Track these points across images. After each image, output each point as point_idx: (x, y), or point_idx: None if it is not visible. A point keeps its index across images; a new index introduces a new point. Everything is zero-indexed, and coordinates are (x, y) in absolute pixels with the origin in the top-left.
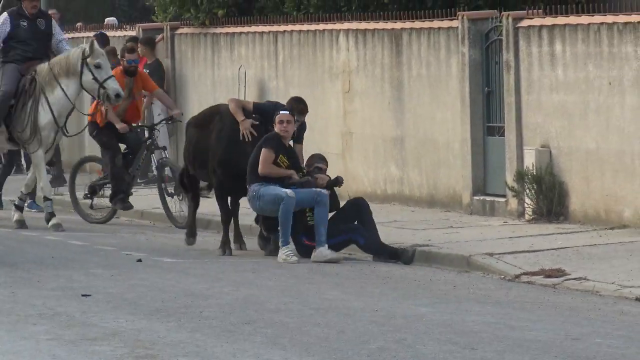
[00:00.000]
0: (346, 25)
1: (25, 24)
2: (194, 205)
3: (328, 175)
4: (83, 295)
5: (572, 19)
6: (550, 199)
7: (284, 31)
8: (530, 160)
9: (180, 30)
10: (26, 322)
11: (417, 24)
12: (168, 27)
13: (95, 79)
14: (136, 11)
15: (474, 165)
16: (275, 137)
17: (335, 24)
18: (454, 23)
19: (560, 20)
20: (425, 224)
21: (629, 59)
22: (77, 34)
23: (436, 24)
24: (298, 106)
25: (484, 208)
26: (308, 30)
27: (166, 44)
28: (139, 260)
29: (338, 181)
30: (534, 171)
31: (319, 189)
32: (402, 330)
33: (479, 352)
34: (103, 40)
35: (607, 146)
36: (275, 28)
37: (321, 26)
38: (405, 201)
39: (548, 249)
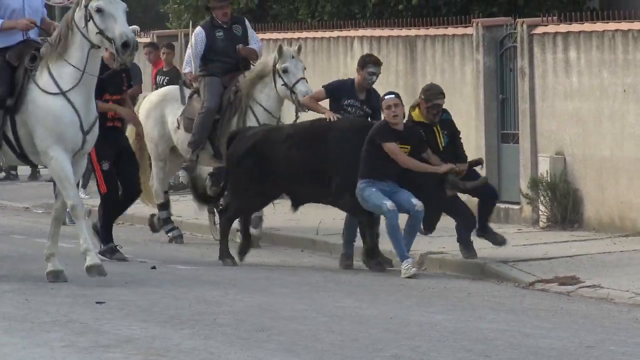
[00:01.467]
0: (360, 32)
1: (221, 34)
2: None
3: (474, 160)
4: (97, 303)
5: (587, 26)
6: (564, 206)
7: (299, 38)
8: (544, 168)
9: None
10: (40, 329)
11: (432, 31)
12: (182, 33)
13: (285, 84)
14: (149, 18)
15: (488, 172)
16: (384, 128)
17: (349, 30)
18: (469, 30)
19: (575, 27)
20: (439, 232)
21: None
22: None
23: (450, 31)
24: (371, 58)
25: (498, 215)
26: (322, 38)
27: (181, 50)
28: (153, 267)
29: (479, 162)
30: (548, 178)
31: (414, 201)
32: (416, 338)
33: None
34: None
35: (621, 153)
36: (289, 35)
37: (335, 33)
38: None
39: (562, 257)
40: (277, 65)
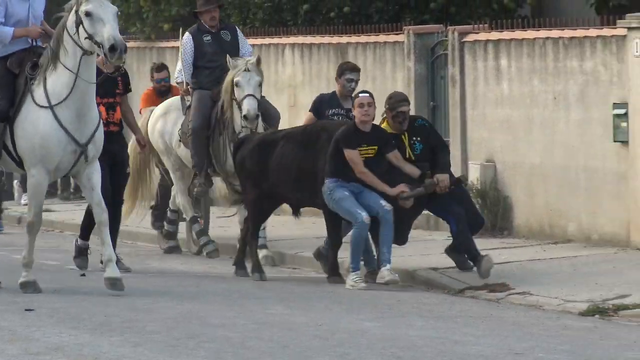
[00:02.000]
0: (292, 39)
1: (208, 38)
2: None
3: (451, 174)
4: (26, 310)
5: (518, 34)
6: (494, 213)
7: None
8: (474, 175)
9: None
10: None
11: (363, 38)
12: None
13: (234, 99)
14: None
15: None
16: (348, 132)
17: (281, 38)
18: (400, 37)
19: (506, 34)
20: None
21: (574, 74)
22: None
23: (382, 38)
24: (347, 65)
25: (428, 222)
26: (254, 44)
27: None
28: (83, 275)
29: (461, 180)
30: (479, 185)
31: (383, 203)
32: (345, 345)
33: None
34: None
35: (551, 161)
36: None
37: (267, 40)
38: None
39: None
40: (233, 78)
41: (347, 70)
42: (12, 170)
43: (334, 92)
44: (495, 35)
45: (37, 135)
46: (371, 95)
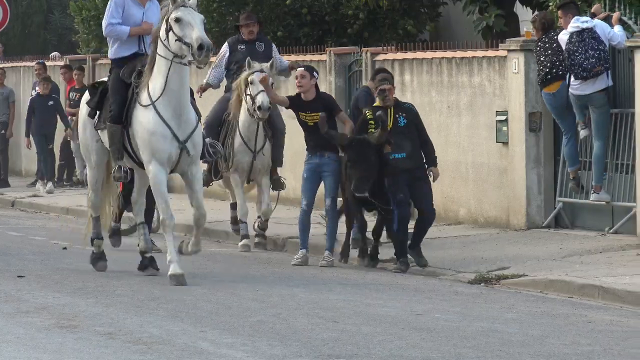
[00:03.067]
0: None
1: (243, 47)
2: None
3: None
4: (18, 277)
5: (419, 54)
6: None
7: None
8: None
9: (99, 61)
10: None
11: (293, 57)
12: (90, 58)
13: (249, 94)
14: (64, 45)
15: None
16: (292, 99)
17: None
18: (323, 57)
19: (409, 55)
20: (296, 221)
21: (464, 87)
22: (20, 63)
23: (308, 57)
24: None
25: None
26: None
27: (89, 71)
28: (64, 248)
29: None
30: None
31: (328, 201)
32: (278, 307)
33: (340, 325)
34: (43, 67)
35: (446, 158)
36: None
37: (213, 59)
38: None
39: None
40: (248, 76)
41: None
42: (140, 173)
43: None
44: (400, 55)
45: (145, 130)
46: (308, 68)
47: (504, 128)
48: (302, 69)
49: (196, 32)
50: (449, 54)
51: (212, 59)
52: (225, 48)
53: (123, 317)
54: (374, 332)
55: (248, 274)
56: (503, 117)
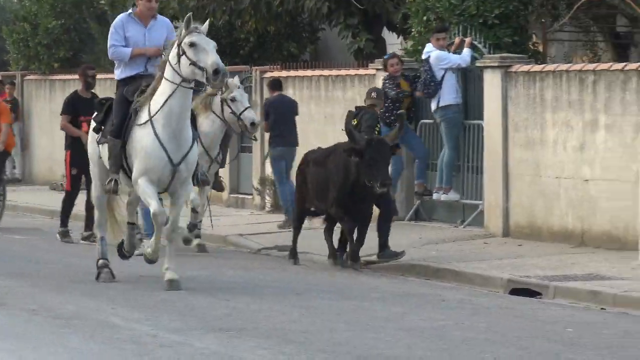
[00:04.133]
0: None
1: None
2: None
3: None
4: None
5: (300, 72)
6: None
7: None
8: (269, 170)
9: (28, 77)
10: None
11: None
12: (19, 74)
13: (233, 112)
14: None
15: (231, 172)
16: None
17: None
18: None
19: (292, 73)
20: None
21: (339, 101)
22: None
23: None
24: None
25: (237, 202)
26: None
27: (18, 85)
28: None
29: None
30: (272, 177)
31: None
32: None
33: (232, 302)
34: None
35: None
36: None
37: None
38: None
39: (281, 231)
40: (224, 95)
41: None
42: (129, 189)
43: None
44: (285, 73)
45: (141, 149)
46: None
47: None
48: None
49: (211, 57)
50: (326, 72)
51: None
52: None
53: (45, 296)
54: (261, 309)
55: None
56: None
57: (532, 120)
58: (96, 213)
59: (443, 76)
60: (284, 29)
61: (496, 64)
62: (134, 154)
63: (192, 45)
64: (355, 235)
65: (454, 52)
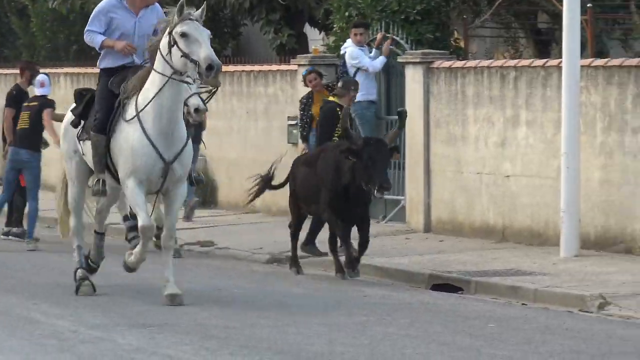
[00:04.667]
0: (65, 69)
1: None
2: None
3: None
4: None
5: (223, 68)
6: (204, 192)
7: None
8: (198, 165)
9: None
10: None
11: None
12: None
13: None
14: None
15: None
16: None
17: (57, 69)
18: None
19: None
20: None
21: (261, 96)
22: None
23: None
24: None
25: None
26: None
27: None
28: None
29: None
30: (195, 174)
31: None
32: (100, 284)
33: (153, 298)
34: None
35: (245, 155)
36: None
37: (47, 70)
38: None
39: (203, 227)
40: None
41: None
42: (113, 188)
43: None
44: None
45: (127, 147)
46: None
47: (294, 131)
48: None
49: (204, 49)
50: (248, 67)
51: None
52: None
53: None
54: (181, 305)
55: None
56: (293, 122)
57: (454, 116)
58: (72, 219)
59: (356, 72)
60: (206, 24)
61: (418, 60)
62: (118, 152)
63: (183, 35)
64: (347, 241)
65: (376, 48)
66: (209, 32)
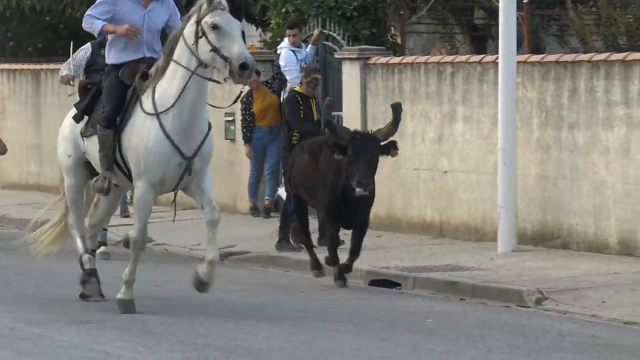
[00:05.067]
0: (1, 66)
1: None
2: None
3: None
4: None
5: None
6: None
7: None
8: None
9: None
10: None
11: (52, 66)
12: None
13: None
14: None
15: None
16: None
17: None
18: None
19: None
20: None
21: None
22: None
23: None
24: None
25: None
26: None
27: None
28: None
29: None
30: None
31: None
32: (37, 279)
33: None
34: None
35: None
36: None
37: None
38: (43, 190)
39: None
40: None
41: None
42: (123, 185)
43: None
44: None
45: (141, 145)
46: None
47: (232, 127)
48: None
49: (237, 45)
50: None
51: None
52: (88, 47)
53: None
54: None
55: (13, 253)
56: (231, 118)
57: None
58: (72, 217)
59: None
60: None
61: (355, 56)
62: (131, 149)
63: (215, 27)
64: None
65: (313, 44)
66: (240, 24)
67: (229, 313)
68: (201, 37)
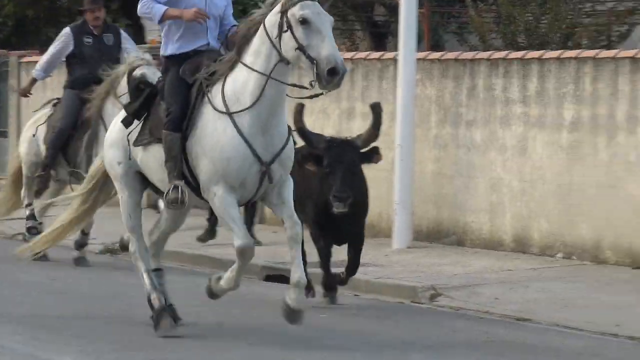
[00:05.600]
0: None
1: (89, 41)
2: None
3: None
4: None
5: None
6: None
7: None
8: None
9: None
10: None
11: None
12: None
13: None
14: None
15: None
16: None
17: None
18: None
19: None
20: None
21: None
22: None
23: None
24: None
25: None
26: None
27: None
28: None
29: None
30: None
31: None
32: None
33: None
34: None
35: None
36: None
37: None
38: None
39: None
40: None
41: None
42: (196, 203)
43: None
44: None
45: (216, 147)
46: None
47: None
48: None
49: (327, 46)
50: None
51: None
52: (68, 37)
53: None
54: (15, 295)
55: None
56: None
57: (291, 109)
58: (134, 245)
59: None
60: (42, 13)
61: None
62: (201, 152)
63: (304, 22)
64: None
65: None
66: (332, 19)
67: (126, 308)
68: (286, 31)
